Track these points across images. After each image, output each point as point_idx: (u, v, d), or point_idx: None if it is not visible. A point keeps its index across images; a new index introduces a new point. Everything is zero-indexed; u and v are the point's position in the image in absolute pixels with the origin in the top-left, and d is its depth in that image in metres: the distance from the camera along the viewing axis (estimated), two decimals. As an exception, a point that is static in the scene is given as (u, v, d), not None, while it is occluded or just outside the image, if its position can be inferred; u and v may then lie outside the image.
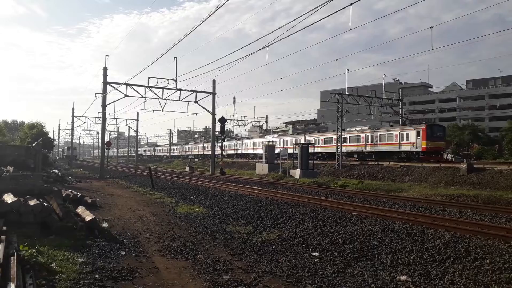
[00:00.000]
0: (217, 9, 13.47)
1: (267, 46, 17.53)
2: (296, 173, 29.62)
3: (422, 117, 75.18)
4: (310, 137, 46.45)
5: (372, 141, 38.32)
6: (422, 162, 30.90)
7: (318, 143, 43.91)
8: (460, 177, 24.32)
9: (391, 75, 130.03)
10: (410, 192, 21.27)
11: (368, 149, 38.81)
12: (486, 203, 16.41)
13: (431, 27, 21.67)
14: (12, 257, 5.25)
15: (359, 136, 39.75)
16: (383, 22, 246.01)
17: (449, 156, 41.84)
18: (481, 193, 18.96)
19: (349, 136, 40.84)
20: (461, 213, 13.27)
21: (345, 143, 38.87)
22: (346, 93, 38.44)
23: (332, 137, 41.45)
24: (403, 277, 6.45)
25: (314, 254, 8.06)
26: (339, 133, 36.98)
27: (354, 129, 42.03)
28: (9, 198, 9.25)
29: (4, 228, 7.35)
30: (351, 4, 13.33)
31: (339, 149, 36.04)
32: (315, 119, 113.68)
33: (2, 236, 6.54)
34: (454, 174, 25.14)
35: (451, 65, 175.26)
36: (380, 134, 37.83)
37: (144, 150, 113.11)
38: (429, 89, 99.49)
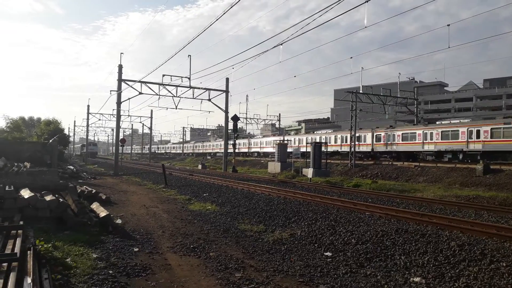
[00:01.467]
0: (231, 7, 13.49)
1: (281, 44, 17.51)
2: (309, 172, 29.53)
3: (437, 117, 74.17)
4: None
5: (431, 139, 33.11)
6: (437, 162, 30.45)
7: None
8: (476, 178, 23.91)
9: (406, 73, 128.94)
10: (424, 192, 21.00)
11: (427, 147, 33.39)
12: (503, 205, 16.09)
13: (449, 25, 21.29)
14: (28, 252, 5.35)
15: (415, 133, 34.90)
16: (399, 20, 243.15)
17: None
18: (498, 194, 18.61)
19: (402, 134, 36.31)
20: (477, 215, 13.05)
21: (397, 142, 35.90)
22: (360, 91, 38.11)
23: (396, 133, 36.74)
24: (417, 279, 6.38)
25: (327, 254, 8.02)
26: (353, 132, 36.68)
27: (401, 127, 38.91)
28: (26, 193, 9.43)
29: (21, 222, 7.51)
30: (367, 1, 13.21)
31: (353, 148, 35.78)
32: (328, 117, 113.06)
33: (19, 231, 6.68)
34: (470, 175, 24.74)
35: (468, 64, 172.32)
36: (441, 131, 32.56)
37: (158, 147, 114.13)
38: (445, 88, 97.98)
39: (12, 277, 4.50)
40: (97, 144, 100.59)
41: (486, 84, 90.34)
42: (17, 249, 5.53)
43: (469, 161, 30.01)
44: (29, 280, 4.42)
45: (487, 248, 7.58)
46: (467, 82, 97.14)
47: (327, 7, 12.02)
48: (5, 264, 4.90)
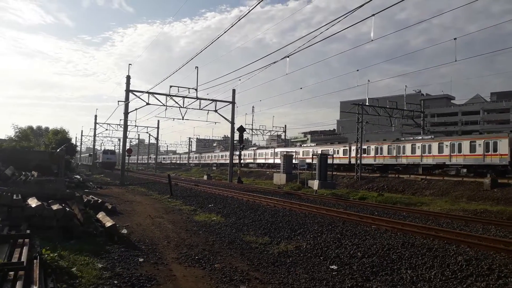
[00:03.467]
0: (239, 20, 13.65)
1: (288, 56, 17.62)
2: (314, 184, 29.43)
3: (444, 130, 73.85)
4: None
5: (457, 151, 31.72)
6: (444, 176, 30.24)
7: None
8: (483, 192, 23.69)
9: (412, 86, 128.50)
10: (431, 206, 20.83)
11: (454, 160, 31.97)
12: (511, 220, 15.91)
13: (455, 38, 21.31)
14: (35, 261, 5.37)
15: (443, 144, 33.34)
16: (406, 33, 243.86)
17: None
18: (506, 209, 18.40)
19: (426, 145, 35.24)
20: (484, 229, 12.90)
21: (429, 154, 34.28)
22: (367, 104, 38.14)
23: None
24: (424, 294, 6.30)
25: (332, 267, 7.96)
26: (359, 144, 36.64)
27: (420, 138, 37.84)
28: (33, 202, 9.49)
29: (28, 231, 7.55)
30: (373, 15, 13.31)
31: (359, 161, 35.67)
32: (334, 129, 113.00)
33: (25, 240, 6.71)
34: (477, 189, 24.52)
35: (475, 77, 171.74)
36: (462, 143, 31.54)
37: (164, 158, 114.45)
38: (452, 101, 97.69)
39: (18, 285, 4.52)
40: (115, 153, 76.81)
41: (493, 98, 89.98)
42: (23, 258, 5.55)
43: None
44: (35, 289, 4.43)
45: (495, 263, 7.50)
46: (474, 95, 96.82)
47: (333, 20, 12.12)
48: (11, 273, 4.93)
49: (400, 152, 36.36)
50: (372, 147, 39.59)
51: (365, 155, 38.63)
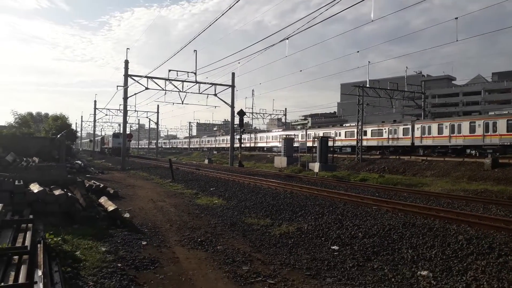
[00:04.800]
0: (237, 1, 13.43)
1: (287, 39, 17.43)
2: (315, 166, 29.51)
3: (445, 111, 73.59)
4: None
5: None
6: (445, 157, 30.25)
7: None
8: (484, 172, 23.74)
9: (413, 67, 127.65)
10: (432, 187, 20.90)
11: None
12: (511, 199, 15.99)
13: (456, 18, 21.06)
14: (39, 245, 5.41)
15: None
16: (406, 13, 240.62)
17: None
18: (506, 188, 18.47)
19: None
20: (485, 209, 12.97)
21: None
22: (367, 85, 37.90)
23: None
24: (424, 272, 6.37)
25: (334, 247, 8.03)
26: (360, 126, 36.55)
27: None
28: (35, 187, 9.53)
29: (31, 216, 7.59)
30: (373, -5, 13.09)
31: (359, 143, 35.67)
32: (334, 112, 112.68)
33: (29, 225, 6.76)
34: (478, 169, 24.57)
35: (477, 57, 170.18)
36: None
37: (164, 142, 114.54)
38: (453, 82, 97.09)
39: (23, 269, 4.56)
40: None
41: (495, 78, 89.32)
42: (27, 243, 5.60)
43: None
44: (39, 272, 4.47)
45: (495, 242, 7.55)
46: (476, 75, 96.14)
47: (333, 1, 11.93)
48: (16, 257, 4.97)
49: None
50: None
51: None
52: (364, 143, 38.01)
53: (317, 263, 6.94)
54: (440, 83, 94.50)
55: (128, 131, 44.73)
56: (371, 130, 40.44)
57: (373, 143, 40.08)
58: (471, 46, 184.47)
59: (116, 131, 70.65)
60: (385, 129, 38.80)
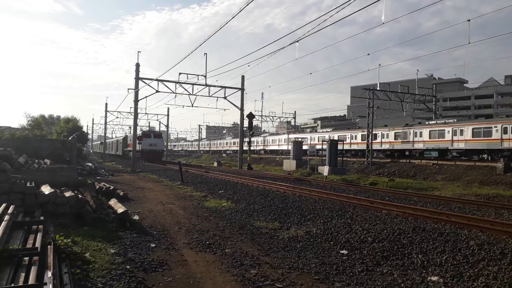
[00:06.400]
0: (247, 4, 13.49)
1: (297, 41, 17.43)
2: (325, 170, 29.38)
3: (456, 114, 72.74)
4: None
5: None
6: (456, 161, 29.90)
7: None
8: (496, 177, 23.42)
9: (425, 70, 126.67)
10: (442, 191, 20.68)
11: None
12: (524, 204, 15.72)
13: (469, 20, 20.88)
14: (49, 246, 5.46)
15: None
16: (418, 15, 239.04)
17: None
18: (519, 193, 18.20)
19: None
20: (497, 214, 12.77)
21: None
22: (378, 88, 37.67)
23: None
24: (434, 278, 6.29)
25: (343, 252, 7.97)
26: (370, 130, 36.31)
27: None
28: (46, 189, 9.64)
29: (42, 218, 7.68)
30: (384, -3, 13.03)
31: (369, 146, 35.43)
32: (344, 115, 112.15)
33: (39, 226, 6.83)
34: (490, 173, 24.24)
35: (489, 60, 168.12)
36: None
37: (174, 145, 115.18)
38: (465, 85, 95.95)
39: (33, 271, 4.61)
40: (162, 136, 53.66)
41: (508, 81, 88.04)
42: (37, 244, 5.66)
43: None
44: (49, 274, 4.51)
45: (508, 247, 7.42)
46: (488, 78, 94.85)
47: (344, 3, 11.90)
48: (26, 258, 5.03)
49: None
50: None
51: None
52: (387, 146, 37.44)
53: (325, 267, 6.90)
54: (452, 86, 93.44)
55: (138, 134, 44.93)
56: (395, 133, 38.19)
57: (398, 146, 37.90)
58: (483, 48, 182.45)
59: (147, 130, 59.27)
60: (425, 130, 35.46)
